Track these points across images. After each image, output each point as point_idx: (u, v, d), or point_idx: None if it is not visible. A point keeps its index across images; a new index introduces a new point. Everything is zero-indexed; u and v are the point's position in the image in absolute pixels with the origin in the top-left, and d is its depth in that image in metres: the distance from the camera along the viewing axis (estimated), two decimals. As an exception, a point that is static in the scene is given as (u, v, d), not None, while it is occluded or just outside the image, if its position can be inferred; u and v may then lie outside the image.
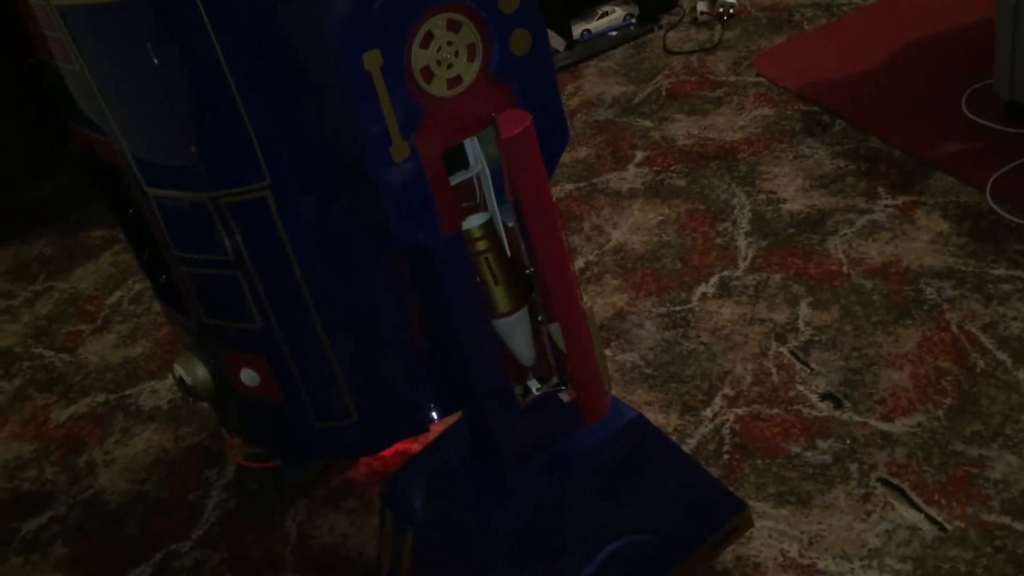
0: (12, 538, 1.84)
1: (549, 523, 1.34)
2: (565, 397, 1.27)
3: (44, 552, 1.79)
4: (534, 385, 1.28)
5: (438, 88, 1.05)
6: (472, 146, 1.15)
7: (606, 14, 3.16)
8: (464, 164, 1.15)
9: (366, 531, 1.70)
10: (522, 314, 1.21)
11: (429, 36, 1.02)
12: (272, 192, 1.13)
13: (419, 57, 1.02)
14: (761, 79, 2.73)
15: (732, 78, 2.78)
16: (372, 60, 0.99)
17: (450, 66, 1.05)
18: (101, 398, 2.14)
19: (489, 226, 1.16)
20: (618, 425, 1.35)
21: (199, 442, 1.96)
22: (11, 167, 2.81)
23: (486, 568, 1.30)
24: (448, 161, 1.11)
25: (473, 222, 1.15)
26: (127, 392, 2.13)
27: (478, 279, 1.18)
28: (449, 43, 1.03)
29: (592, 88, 2.91)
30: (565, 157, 2.56)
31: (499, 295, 1.19)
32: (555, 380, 1.28)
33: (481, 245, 1.16)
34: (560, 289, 1.16)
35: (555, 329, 1.21)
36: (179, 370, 1.36)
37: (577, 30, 3.13)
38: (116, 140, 1.21)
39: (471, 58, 1.06)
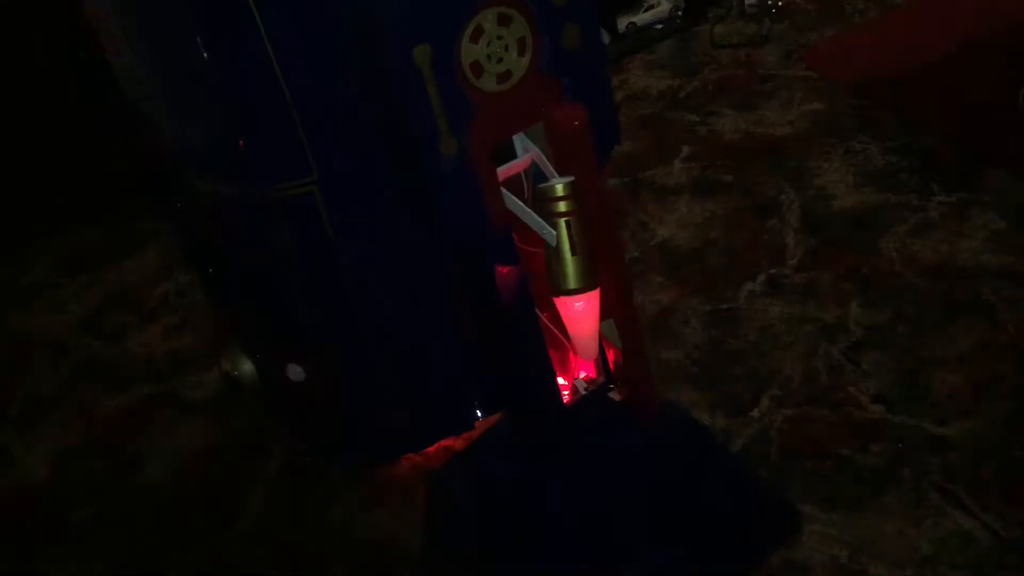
0: (60, 528, 1.85)
1: (595, 525, 1.32)
2: (615, 396, 1.25)
3: (91, 542, 1.81)
4: (581, 385, 1.27)
5: (487, 83, 1.03)
6: (521, 139, 1.13)
7: (652, 7, 3.12)
8: (511, 158, 1.13)
9: (410, 526, 1.69)
10: (594, 296, 1.16)
11: (479, 30, 1.01)
12: (320, 187, 1.12)
13: (469, 51, 1.01)
14: (811, 73, 2.68)
15: (781, 71, 2.73)
16: (422, 54, 0.97)
17: (500, 60, 1.03)
18: (148, 389, 2.15)
19: (573, 187, 1.10)
20: (669, 427, 1.33)
21: (245, 434, 1.96)
22: (61, 159, 2.85)
23: (529, 567, 1.29)
24: (495, 156, 1.10)
25: (558, 181, 1.11)
26: (174, 383, 2.15)
27: (549, 254, 1.11)
28: (499, 37, 1.02)
29: (638, 82, 2.88)
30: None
31: (573, 268, 1.12)
32: (602, 379, 1.27)
33: (563, 206, 1.10)
34: (615, 284, 1.14)
35: (607, 326, 1.19)
36: (225, 364, 1.36)
37: (622, 23, 3.10)
38: (166, 133, 1.21)
39: (521, 52, 1.04)
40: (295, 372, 1.28)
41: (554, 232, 1.10)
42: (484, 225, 1.07)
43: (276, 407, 1.40)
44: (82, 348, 2.34)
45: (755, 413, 1.74)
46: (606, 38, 3.05)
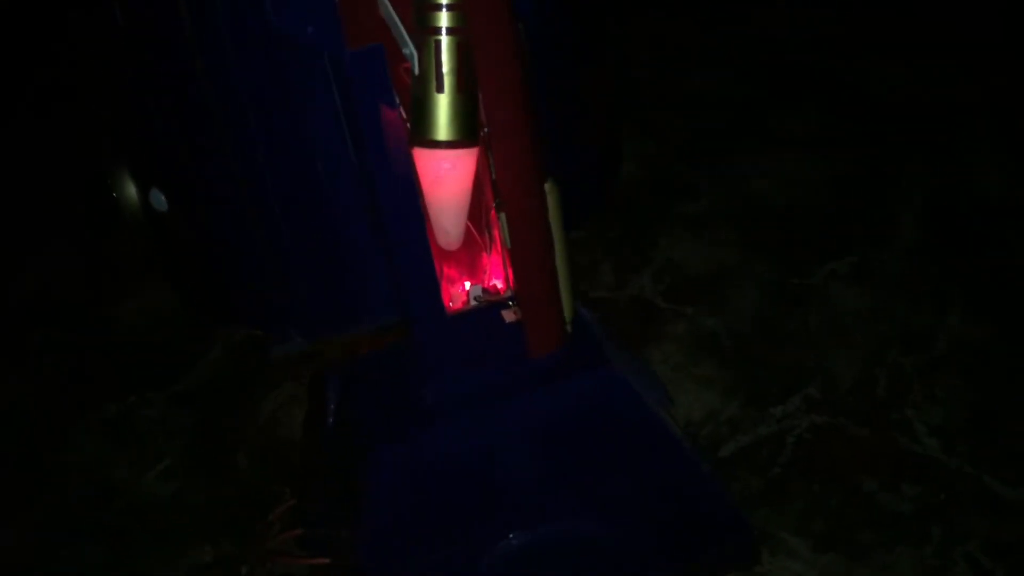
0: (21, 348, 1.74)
1: (472, 474, 1.03)
2: (507, 316, 0.95)
3: (36, 369, 1.69)
4: (476, 292, 0.97)
5: None
6: None
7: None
8: None
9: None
10: (466, 158, 0.85)
11: None
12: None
13: None
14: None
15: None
16: None
17: None
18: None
19: None
20: (597, 385, 1.01)
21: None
22: None
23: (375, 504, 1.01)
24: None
25: None
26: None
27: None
28: None
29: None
30: (720, 90, 2.16)
31: (442, 108, 0.80)
32: (508, 293, 0.97)
33: (438, 19, 0.79)
34: (508, 156, 0.83)
35: (505, 219, 0.89)
36: (111, 184, 1.15)
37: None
38: None
39: None
40: (157, 199, 1.04)
41: (415, 53, 0.79)
42: (330, 29, 0.78)
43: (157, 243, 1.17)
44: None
45: (777, 411, 1.38)
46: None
